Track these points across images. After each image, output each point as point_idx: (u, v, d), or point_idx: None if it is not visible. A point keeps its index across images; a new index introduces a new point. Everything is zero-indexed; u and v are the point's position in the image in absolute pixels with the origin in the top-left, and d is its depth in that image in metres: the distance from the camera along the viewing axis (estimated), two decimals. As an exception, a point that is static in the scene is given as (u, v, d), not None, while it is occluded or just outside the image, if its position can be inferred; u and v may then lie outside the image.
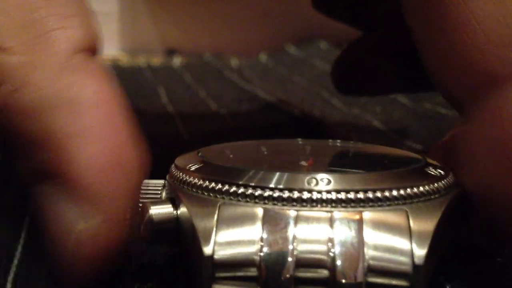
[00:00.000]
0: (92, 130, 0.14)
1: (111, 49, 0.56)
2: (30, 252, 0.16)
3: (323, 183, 0.13)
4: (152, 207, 0.14)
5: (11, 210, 0.19)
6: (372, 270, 0.12)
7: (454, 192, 0.14)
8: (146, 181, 0.15)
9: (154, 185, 0.16)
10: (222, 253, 0.12)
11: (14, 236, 0.17)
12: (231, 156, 0.17)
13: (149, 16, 0.57)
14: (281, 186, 0.13)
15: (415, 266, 0.12)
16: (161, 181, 0.16)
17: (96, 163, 0.13)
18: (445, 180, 0.14)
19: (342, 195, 0.13)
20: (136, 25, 0.56)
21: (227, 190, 0.14)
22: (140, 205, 0.14)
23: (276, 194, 0.13)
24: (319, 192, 0.13)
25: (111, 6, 0.56)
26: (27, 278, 0.15)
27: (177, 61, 0.47)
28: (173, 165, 0.16)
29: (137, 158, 0.14)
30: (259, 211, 0.13)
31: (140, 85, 0.39)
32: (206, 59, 0.48)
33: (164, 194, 0.15)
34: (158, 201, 0.15)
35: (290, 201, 0.13)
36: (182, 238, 0.14)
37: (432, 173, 0.15)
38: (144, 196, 0.15)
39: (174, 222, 0.14)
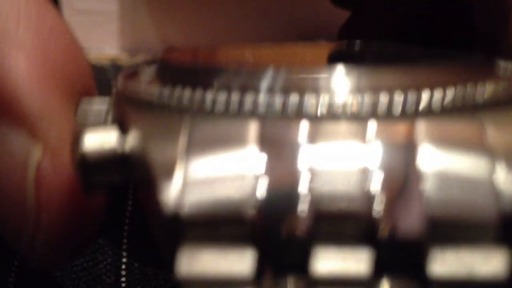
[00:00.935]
0: (17, 33, 0.11)
1: (111, 48, 0.56)
2: None
3: (348, 78, 0.09)
4: (86, 135, 0.10)
5: None
6: (435, 221, 0.08)
7: None
8: (86, 98, 0.11)
9: (95, 103, 0.11)
10: (193, 208, 0.08)
11: None
12: (203, 57, 0.12)
13: (149, 15, 0.56)
14: (282, 87, 0.08)
15: (501, 217, 0.08)
16: (106, 99, 0.12)
17: (23, 73, 0.10)
18: None
19: (382, 97, 0.08)
20: (136, 25, 0.56)
21: (200, 98, 0.09)
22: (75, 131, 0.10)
23: (277, 99, 0.08)
24: (344, 92, 0.08)
25: (110, 5, 0.56)
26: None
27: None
28: (121, 73, 0.12)
29: (76, 71, 0.11)
30: (251, 127, 0.08)
31: None
32: None
33: (110, 116, 0.11)
34: (97, 126, 0.10)
35: (298, 109, 0.08)
36: (134, 181, 0.10)
37: (504, 66, 0.11)
38: (81, 119, 0.11)
39: (119, 156, 0.10)
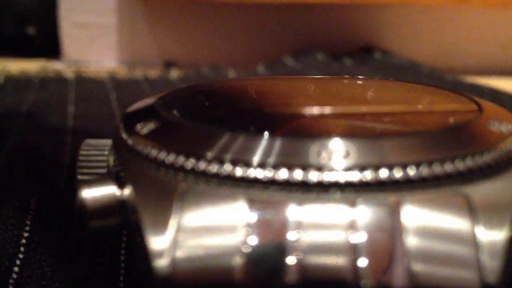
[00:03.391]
0: None
1: (110, 62, 0.56)
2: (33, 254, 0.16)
3: (339, 155, 0.08)
4: (85, 185, 0.10)
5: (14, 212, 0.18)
6: (418, 278, 0.08)
7: None
8: (88, 141, 0.11)
9: (97, 148, 0.11)
10: (182, 270, 0.08)
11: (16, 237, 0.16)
12: (205, 103, 0.12)
13: (147, 29, 0.57)
14: (274, 161, 0.08)
15: (485, 286, 0.08)
16: (107, 143, 0.11)
17: None
18: None
19: (368, 175, 0.08)
20: (134, 38, 0.57)
21: (192, 168, 0.09)
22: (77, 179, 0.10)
23: (267, 174, 0.08)
24: (333, 171, 0.08)
25: (109, 19, 0.56)
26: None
27: (174, 74, 0.47)
28: (121, 120, 0.11)
29: None
30: (241, 201, 0.08)
31: (136, 97, 0.39)
32: (203, 72, 0.48)
33: (111, 161, 0.11)
34: (96, 175, 0.10)
35: (288, 186, 0.08)
36: (129, 234, 0.10)
37: (496, 129, 0.10)
38: (82, 165, 0.11)
39: (116, 206, 0.10)
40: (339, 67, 0.47)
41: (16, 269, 0.15)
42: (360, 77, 0.14)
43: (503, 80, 0.46)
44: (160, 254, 0.08)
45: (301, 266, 0.08)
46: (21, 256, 0.15)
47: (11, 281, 0.15)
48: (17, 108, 0.33)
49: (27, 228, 0.16)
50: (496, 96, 0.36)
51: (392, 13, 0.56)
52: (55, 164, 0.25)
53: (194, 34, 0.57)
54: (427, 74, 0.43)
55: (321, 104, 0.12)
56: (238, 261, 0.08)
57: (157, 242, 0.08)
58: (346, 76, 0.14)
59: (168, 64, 0.55)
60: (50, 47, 0.56)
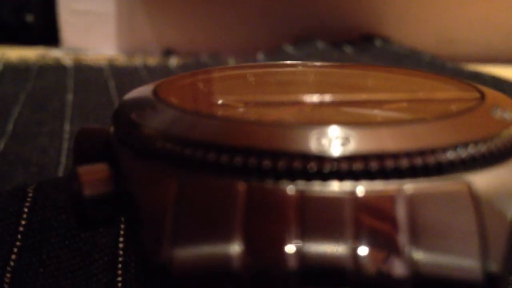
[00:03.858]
0: None
1: (108, 49, 0.56)
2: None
3: (339, 143, 0.08)
4: (81, 173, 0.10)
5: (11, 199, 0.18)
6: (421, 276, 0.08)
7: None
8: (84, 128, 0.11)
9: (93, 135, 0.11)
10: (180, 261, 0.08)
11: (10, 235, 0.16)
12: (203, 91, 0.12)
13: (146, 17, 0.57)
14: (273, 149, 0.08)
15: (488, 277, 0.08)
16: (105, 129, 0.11)
17: None
18: None
19: (369, 163, 0.08)
20: (133, 26, 0.57)
21: (189, 157, 0.08)
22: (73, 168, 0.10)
23: (266, 162, 0.08)
24: (334, 159, 0.08)
25: (108, 7, 0.56)
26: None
27: (173, 62, 0.47)
28: (117, 107, 0.11)
29: None
30: (240, 189, 0.08)
31: (135, 85, 0.39)
32: (202, 59, 0.48)
33: (108, 149, 0.11)
34: (92, 163, 0.10)
35: (288, 174, 0.08)
36: (127, 224, 0.10)
37: (499, 116, 0.10)
38: (78, 152, 0.11)
39: (112, 194, 0.10)
40: (339, 55, 0.47)
41: (13, 256, 0.15)
42: (361, 64, 0.14)
43: (505, 68, 0.45)
44: (157, 245, 0.08)
45: (300, 255, 0.08)
46: (18, 243, 0.15)
47: (8, 268, 0.15)
48: (15, 96, 0.33)
49: (25, 215, 0.16)
50: (498, 83, 0.36)
51: (393, 0, 0.56)
52: (53, 152, 0.25)
53: (194, 22, 0.57)
54: (428, 62, 0.43)
55: (321, 91, 0.12)
56: (236, 250, 0.08)
57: (154, 232, 0.08)
58: (346, 63, 0.14)
59: (167, 52, 0.55)
60: (49, 34, 0.56)
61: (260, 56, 0.50)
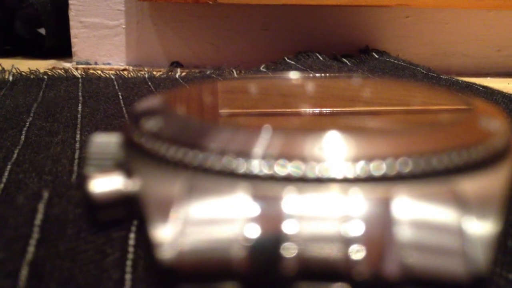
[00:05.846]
0: None
1: (118, 62, 0.57)
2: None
3: (335, 149, 0.09)
4: (93, 176, 0.10)
5: (27, 200, 0.18)
6: (409, 268, 0.08)
7: None
8: (96, 134, 0.11)
9: (105, 141, 0.11)
10: (184, 261, 0.08)
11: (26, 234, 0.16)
12: (209, 100, 0.13)
13: (154, 31, 0.57)
14: (273, 155, 0.09)
15: (474, 279, 0.08)
16: (116, 136, 0.11)
17: None
18: (505, 137, 0.10)
19: (363, 169, 0.09)
20: (141, 40, 0.57)
21: (195, 162, 0.09)
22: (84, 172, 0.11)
23: (267, 167, 0.09)
24: (331, 164, 0.09)
25: (117, 20, 0.57)
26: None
27: (179, 73, 0.48)
28: (128, 115, 0.12)
29: None
30: (242, 194, 0.09)
31: (143, 95, 0.39)
32: (207, 72, 0.49)
33: (119, 155, 0.11)
34: (104, 167, 0.11)
35: (287, 179, 0.09)
36: (137, 226, 0.10)
37: (485, 126, 0.10)
38: (90, 157, 0.11)
39: (124, 197, 0.10)
40: (339, 67, 0.47)
41: (31, 249, 0.15)
42: (355, 76, 0.15)
43: (497, 81, 0.46)
44: (164, 246, 0.08)
45: (299, 258, 0.08)
46: (36, 236, 0.15)
47: (25, 261, 0.15)
48: (27, 106, 0.33)
49: (41, 211, 0.16)
50: (490, 94, 0.37)
51: (389, 15, 0.57)
52: (65, 161, 0.25)
53: (199, 36, 0.58)
54: (424, 74, 0.43)
55: (319, 101, 0.13)
56: (238, 253, 0.08)
57: (161, 234, 0.09)
58: (346, 74, 0.15)
59: (174, 65, 0.56)
60: (61, 47, 0.57)
61: (263, 68, 0.51)
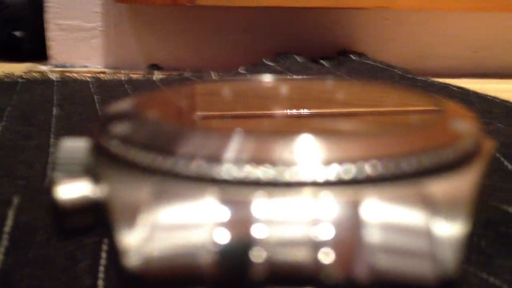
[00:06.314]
0: None
1: (95, 65, 0.57)
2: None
3: (305, 152, 0.09)
4: (60, 183, 0.10)
5: None
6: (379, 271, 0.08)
7: (487, 155, 0.10)
8: (64, 140, 0.11)
9: (73, 147, 0.11)
10: (151, 268, 0.08)
11: None
12: (181, 104, 0.13)
13: (132, 33, 0.57)
14: (242, 159, 0.09)
15: (442, 280, 0.08)
16: (85, 141, 0.11)
17: None
18: (475, 138, 0.10)
19: (332, 172, 0.09)
20: (119, 42, 0.57)
21: (162, 167, 0.09)
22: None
23: (236, 171, 0.09)
24: (300, 168, 0.09)
25: (94, 22, 0.56)
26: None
27: (157, 76, 0.48)
28: (97, 120, 0.12)
29: None
30: (211, 198, 0.09)
31: (119, 98, 0.39)
32: (186, 75, 0.49)
33: (87, 161, 0.11)
34: (71, 173, 0.10)
35: (256, 183, 0.09)
36: (106, 233, 0.10)
37: (456, 128, 0.10)
38: (58, 163, 0.11)
39: (91, 204, 0.10)
40: (318, 69, 0.48)
41: (0, 257, 0.15)
42: (329, 78, 0.15)
43: (473, 82, 0.47)
44: (130, 252, 0.08)
45: (268, 263, 0.08)
46: (5, 243, 0.15)
47: None
48: (1, 109, 0.32)
49: (11, 218, 0.16)
50: (465, 95, 0.37)
51: (368, 18, 0.57)
52: (39, 165, 0.24)
53: (179, 38, 0.58)
54: (401, 76, 0.44)
55: (294, 103, 0.13)
56: (207, 258, 0.08)
57: (128, 240, 0.08)
58: (322, 77, 0.15)
59: (153, 68, 0.56)
60: (38, 51, 0.56)
61: (241, 70, 0.51)
